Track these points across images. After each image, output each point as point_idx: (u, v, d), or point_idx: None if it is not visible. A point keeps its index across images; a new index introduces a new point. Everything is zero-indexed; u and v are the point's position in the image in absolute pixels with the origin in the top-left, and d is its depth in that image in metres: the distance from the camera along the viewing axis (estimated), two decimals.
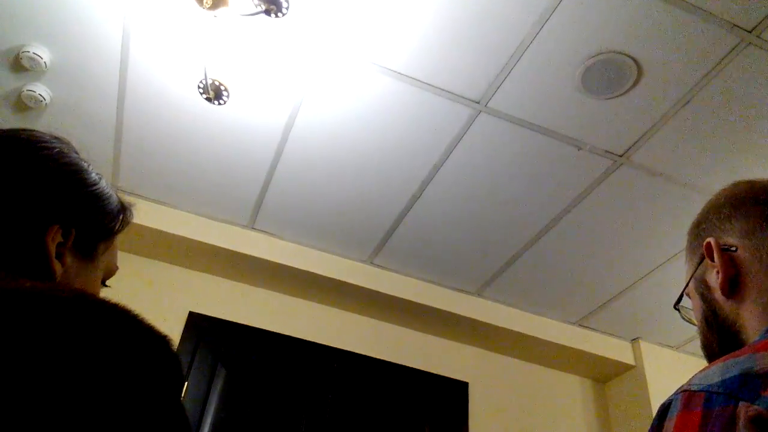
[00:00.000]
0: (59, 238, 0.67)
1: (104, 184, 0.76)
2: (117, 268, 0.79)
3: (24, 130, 0.71)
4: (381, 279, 3.08)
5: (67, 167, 0.71)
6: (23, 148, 0.69)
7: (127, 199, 0.81)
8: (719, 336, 0.73)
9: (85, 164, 0.74)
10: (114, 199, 0.77)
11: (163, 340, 0.50)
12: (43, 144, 0.71)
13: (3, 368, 0.40)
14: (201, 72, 2.09)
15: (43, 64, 2.17)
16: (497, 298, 3.24)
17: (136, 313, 0.50)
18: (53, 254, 0.65)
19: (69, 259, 0.68)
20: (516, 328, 3.23)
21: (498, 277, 3.09)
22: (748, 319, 0.69)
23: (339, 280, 3.00)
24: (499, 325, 3.20)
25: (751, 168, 2.33)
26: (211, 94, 2.10)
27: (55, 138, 0.73)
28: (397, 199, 2.68)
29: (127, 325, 0.48)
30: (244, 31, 2.05)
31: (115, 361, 0.45)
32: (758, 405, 0.48)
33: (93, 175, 0.74)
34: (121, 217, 0.78)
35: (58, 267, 0.66)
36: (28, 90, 2.28)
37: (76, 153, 0.75)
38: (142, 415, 0.44)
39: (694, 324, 0.80)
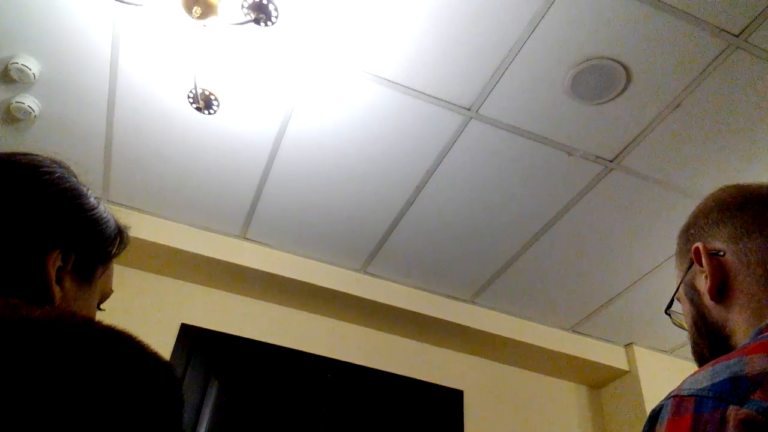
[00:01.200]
0: (59, 263, 0.67)
1: (103, 208, 0.76)
2: (112, 291, 0.79)
3: (24, 154, 0.72)
4: (374, 288, 3.07)
5: (68, 192, 0.72)
6: (24, 173, 0.69)
7: (122, 221, 0.81)
8: (709, 340, 0.73)
9: (85, 188, 0.75)
10: (112, 223, 0.78)
11: (165, 366, 0.51)
12: (43, 169, 0.71)
13: (13, 396, 0.40)
14: (191, 82, 2.08)
15: (32, 76, 2.16)
16: (491, 305, 3.24)
17: (139, 339, 0.51)
18: (53, 279, 0.66)
19: (68, 283, 0.68)
20: (510, 335, 3.22)
21: (491, 284, 3.09)
22: (737, 323, 0.69)
23: (332, 290, 2.98)
24: (493, 332, 3.20)
25: (741, 171, 2.34)
26: (201, 104, 2.10)
27: (55, 162, 0.74)
28: (389, 207, 2.68)
29: (132, 353, 0.49)
30: (234, 41, 2.05)
31: (121, 389, 0.45)
32: (747, 408, 0.48)
33: (92, 199, 0.75)
34: (117, 241, 0.79)
35: (57, 291, 0.66)
36: (16, 102, 2.27)
37: (75, 177, 0.75)
38: None
39: (684, 329, 0.80)
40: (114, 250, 0.78)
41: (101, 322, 0.51)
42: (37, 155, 0.73)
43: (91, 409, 0.42)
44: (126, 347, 0.49)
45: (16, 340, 0.44)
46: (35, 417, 0.40)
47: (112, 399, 0.44)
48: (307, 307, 3.12)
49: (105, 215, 0.76)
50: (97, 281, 0.75)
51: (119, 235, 0.79)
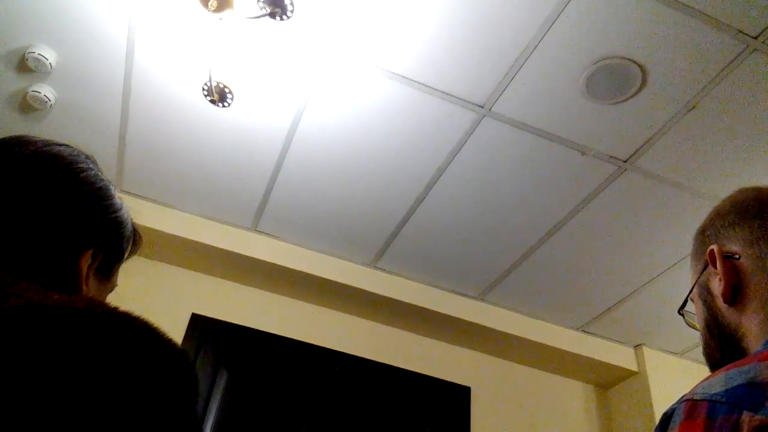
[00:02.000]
0: (89, 261, 0.69)
1: (125, 209, 0.79)
2: (116, 284, 0.81)
3: (60, 144, 0.73)
4: (384, 282, 3.07)
5: (101, 192, 0.73)
6: (64, 168, 0.70)
7: (134, 217, 0.83)
8: (720, 343, 0.73)
9: (113, 188, 0.77)
10: (129, 224, 0.80)
11: (182, 354, 0.52)
12: (80, 165, 0.72)
13: (29, 380, 0.41)
14: (206, 74, 2.09)
15: (49, 65, 2.18)
16: (500, 303, 3.24)
17: (156, 326, 0.52)
18: (84, 277, 0.68)
19: (91, 281, 0.71)
20: (519, 333, 3.22)
21: (501, 281, 3.08)
22: (750, 327, 0.68)
23: (342, 283, 2.99)
24: (502, 330, 3.19)
25: (757, 174, 2.32)
26: (216, 97, 2.11)
27: (87, 157, 0.75)
28: (400, 202, 2.68)
29: (151, 339, 0.50)
30: (249, 34, 2.05)
31: (138, 375, 0.46)
32: (762, 414, 0.47)
33: (117, 200, 0.77)
34: (131, 242, 0.81)
35: (85, 289, 0.68)
36: (33, 91, 2.29)
37: (101, 172, 0.77)
38: (157, 428, 0.45)
39: (697, 329, 0.80)
40: (130, 250, 0.81)
41: (119, 309, 0.52)
42: (72, 148, 0.74)
43: (106, 393, 0.43)
44: (143, 334, 0.50)
45: (37, 324, 0.45)
46: (51, 399, 0.41)
47: (127, 384, 0.44)
48: (316, 301, 3.13)
49: (126, 216, 0.78)
50: (113, 278, 0.77)
51: (134, 236, 0.81)
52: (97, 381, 0.43)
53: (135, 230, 0.81)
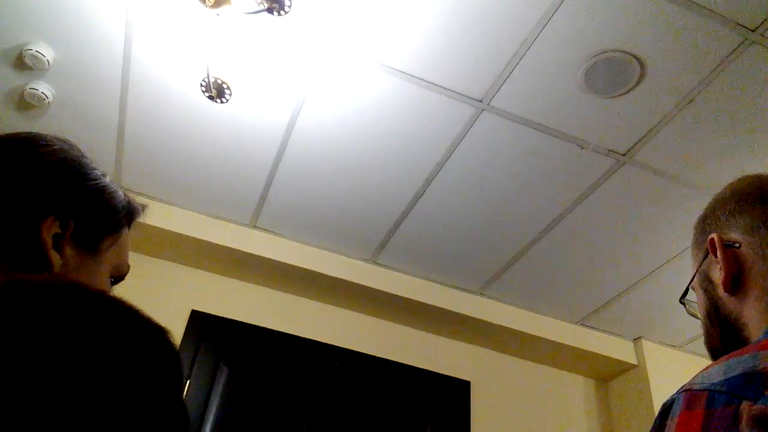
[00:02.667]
0: (56, 229, 0.67)
1: (108, 180, 0.77)
2: (128, 266, 0.79)
3: (28, 133, 0.73)
4: (383, 278, 3.08)
5: (67, 161, 0.72)
6: (20, 144, 0.71)
7: (140, 200, 0.82)
8: (721, 332, 0.73)
9: (87, 161, 0.75)
10: (119, 195, 0.78)
11: (160, 330, 0.50)
12: (41, 142, 0.72)
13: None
14: (203, 70, 2.09)
15: (46, 63, 2.18)
16: (499, 297, 3.24)
17: (132, 304, 0.50)
18: (50, 245, 0.66)
19: (69, 252, 0.69)
20: (518, 327, 3.22)
21: (500, 276, 3.08)
22: (751, 316, 0.68)
23: (341, 279, 3.00)
24: (502, 324, 3.20)
25: (756, 167, 2.32)
26: (214, 93, 2.10)
27: (61, 139, 0.74)
28: (399, 198, 2.68)
29: (123, 315, 0.48)
30: (247, 30, 2.05)
31: (112, 353, 0.44)
32: (762, 403, 0.47)
33: (96, 171, 0.75)
34: (124, 213, 0.78)
35: (55, 258, 0.66)
36: (31, 88, 2.28)
37: (80, 152, 0.76)
38: (139, 408, 0.44)
39: (698, 318, 0.79)
40: (122, 222, 0.78)
41: (91, 286, 0.51)
42: (40, 133, 0.74)
43: (74, 373, 0.42)
44: (114, 309, 0.48)
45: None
46: (9, 384, 0.40)
47: (97, 363, 0.43)
48: (316, 296, 3.13)
49: (111, 186, 0.76)
50: (105, 252, 0.75)
51: (128, 206, 0.79)
52: (67, 361, 0.42)
53: (130, 202, 0.80)
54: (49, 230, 0.67)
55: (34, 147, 0.71)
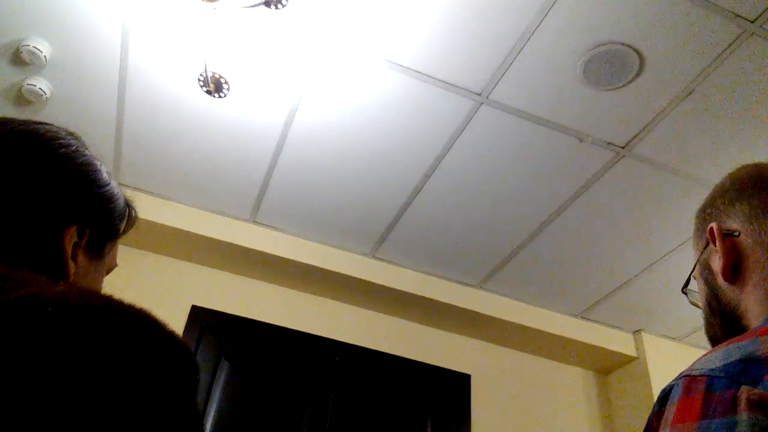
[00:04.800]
0: (75, 238, 0.67)
1: (114, 184, 0.76)
2: (116, 264, 0.79)
3: (40, 123, 0.71)
4: (383, 272, 3.08)
5: (84, 167, 0.71)
6: (43, 145, 0.68)
7: (128, 195, 0.81)
8: (722, 321, 0.73)
9: (98, 162, 0.74)
10: (122, 199, 0.77)
11: (181, 345, 0.51)
12: (60, 141, 0.70)
13: (26, 378, 0.41)
14: (201, 65, 2.09)
15: (43, 58, 2.17)
16: (499, 291, 3.24)
17: (155, 317, 0.51)
18: (69, 255, 0.66)
19: (80, 259, 0.68)
20: (518, 321, 3.23)
21: (500, 269, 3.09)
22: (750, 304, 0.68)
23: (341, 274, 3.00)
24: (502, 318, 3.20)
25: (754, 158, 2.31)
26: (212, 87, 2.10)
27: (69, 133, 0.73)
28: (398, 192, 2.68)
29: (152, 332, 0.49)
30: (245, 24, 2.04)
31: (138, 368, 0.45)
32: (760, 388, 0.47)
33: (105, 174, 0.74)
34: (126, 218, 0.79)
35: (72, 267, 0.66)
36: (28, 84, 2.28)
37: (87, 149, 0.75)
38: (160, 418, 0.45)
39: (700, 308, 0.80)
40: (123, 226, 0.78)
41: (116, 299, 0.51)
42: (52, 125, 0.72)
43: (106, 388, 0.42)
44: (144, 325, 0.49)
45: (29, 319, 0.44)
46: (49, 394, 0.40)
47: (127, 378, 0.44)
48: (316, 291, 3.14)
49: (116, 191, 0.76)
50: (107, 256, 0.75)
51: (128, 212, 0.79)
52: (97, 378, 0.42)
53: (129, 206, 0.79)
54: (71, 240, 0.66)
55: (55, 148, 0.69)
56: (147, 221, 2.74)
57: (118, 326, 0.47)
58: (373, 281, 3.03)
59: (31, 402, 0.40)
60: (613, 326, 3.42)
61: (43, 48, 2.16)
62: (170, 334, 0.50)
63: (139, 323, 0.49)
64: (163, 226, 2.78)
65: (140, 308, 0.50)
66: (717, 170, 2.39)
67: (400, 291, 3.07)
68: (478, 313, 3.18)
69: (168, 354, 0.49)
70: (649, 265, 2.93)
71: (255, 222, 2.95)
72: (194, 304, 2.90)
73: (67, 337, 0.44)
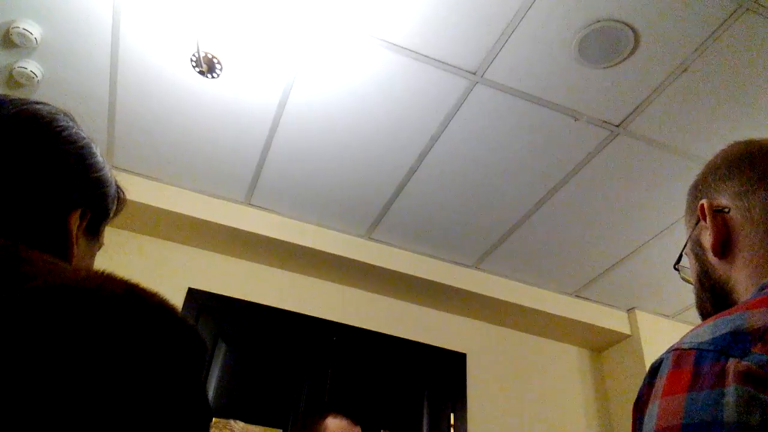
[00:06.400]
0: (78, 221, 0.68)
1: (108, 168, 0.78)
2: (103, 243, 0.80)
3: (39, 103, 0.71)
4: (379, 253, 3.09)
5: (83, 150, 0.72)
6: (47, 128, 0.69)
7: (130, 179, 0.82)
8: (712, 296, 0.74)
9: (94, 145, 0.76)
10: (113, 182, 0.79)
11: (195, 333, 0.53)
12: (61, 124, 0.71)
13: (50, 366, 0.42)
14: (194, 45, 2.07)
15: (34, 41, 2.15)
16: (494, 271, 3.26)
17: (172, 304, 0.52)
18: (74, 237, 0.67)
19: (81, 240, 0.70)
20: (513, 300, 3.25)
21: (495, 249, 3.10)
22: (739, 279, 0.69)
23: (337, 255, 3.01)
24: (497, 297, 3.22)
25: (749, 135, 2.32)
26: (204, 68, 2.09)
27: (66, 114, 0.74)
28: (393, 172, 2.68)
29: (170, 320, 0.50)
30: (237, 2, 2.02)
31: (152, 351, 0.47)
32: (748, 361, 0.48)
33: (100, 158, 0.76)
34: (117, 200, 0.80)
35: (76, 250, 0.67)
36: (19, 67, 2.25)
37: (82, 131, 0.76)
38: (170, 397, 0.47)
39: (691, 284, 0.81)
40: (116, 208, 0.80)
41: (133, 284, 0.52)
42: (51, 106, 0.72)
43: (129, 377, 0.44)
44: (162, 315, 0.50)
45: (61, 309, 0.45)
46: (70, 378, 0.41)
47: (147, 367, 0.45)
48: (312, 273, 3.15)
49: (109, 175, 0.78)
50: (100, 237, 0.77)
51: (118, 194, 0.81)
52: (117, 363, 0.44)
53: (119, 187, 0.81)
54: (75, 223, 0.68)
55: (58, 132, 0.70)
56: (143, 204, 2.74)
57: (139, 314, 0.48)
58: (369, 262, 3.04)
59: (57, 381, 0.41)
60: (607, 304, 3.45)
61: (34, 30, 2.13)
62: (185, 322, 0.51)
63: (156, 309, 0.50)
64: (159, 209, 2.78)
65: (157, 295, 0.52)
66: (711, 148, 2.38)
67: (395, 272, 3.08)
68: (473, 293, 3.20)
69: (180, 337, 0.50)
70: (644, 243, 2.95)
71: (250, 204, 2.94)
72: (191, 286, 2.90)
73: (95, 324, 0.45)
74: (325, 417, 1.96)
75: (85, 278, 0.50)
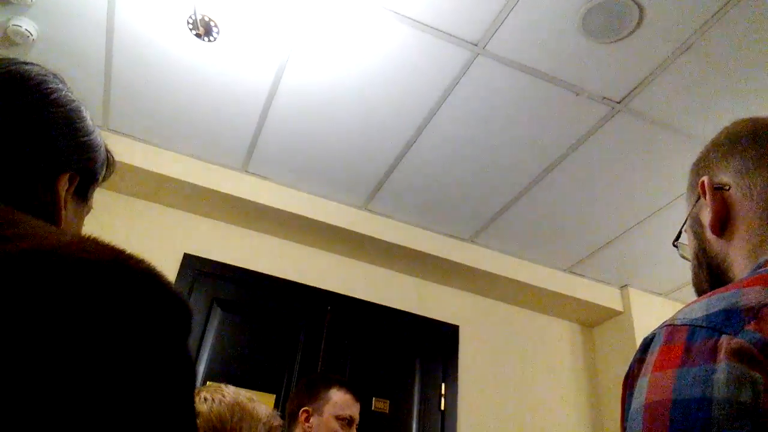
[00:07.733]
0: (67, 185, 0.68)
1: (97, 131, 0.77)
2: (92, 207, 0.80)
3: (28, 63, 0.70)
4: (375, 224, 3.09)
5: (74, 113, 0.71)
6: (36, 89, 0.68)
7: (105, 140, 0.81)
8: (708, 273, 0.74)
9: (84, 108, 0.75)
10: (103, 146, 0.78)
11: (183, 302, 0.52)
12: (51, 87, 0.70)
13: (44, 333, 0.41)
14: (190, 7, 2.03)
15: None
16: (490, 245, 3.27)
17: (157, 270, 0.52)
18: (63, 202, 0.67)
19: (69, 204, 0.69)
20: (508, 274, 3.27)
21: (491, 223, 3.10)
22: (736, 257, 0.69)
23: (334, 225, 3.01)
24: (491, 271, 3.24)
25: (752, 114, 2.31)
26: (201, 31, 2.05)
27: (55, 76, 0.73)
28: (392, 144, 2.66)
29: (152, 283, 0.50)
30: None
31: (136, 317, 0.46)
32: (740, 338, 0.48)
33: (89, 121, 0.75)
34: (107, 164, 0.80)
35: (64, 213, 0.67)
36: (14, 25, 2.21)
37: (72, 93, 0.75)
38: (159, 360, 0.46)
39: (689, 261, 0.81)
40: (105, 173, 0.79)
41: (120, 250, 0.52)
42: (41, 67, 0.71)
43: (107, 332, 0.44)
44: (149, 280, 0.50)
45: (48, 275, 0.44)
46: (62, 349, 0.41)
47: (121, 324, 0.45)
48: (308, 241, 3.15)
49: (99, 139, 0.77)
50: (89, 200, 0.76)
51: (108, 157, 0.80)
52: (100, 328, 0.43)
53: (108, 151, 0.80)
54: (64, 186, 0.67)
55: (47, 93, 0.69)
56: (139, 169, 2.72)
57: (124, 280, 0.48)
58: (365, 233, 3.05)
59: (47, 348, 0.40)
60: (600, 281, 3.47)
61: None
62: (172, 291, 0.51)
63: (142, 275, 0.49)
64: (155, 174, 2.76)
65: (144, 262, 0.51)
66: (712, 126, 2.38)
67: (391, 243, 3.09)
68: (468, 267, 3.21)
69: (166, 304, 0.50)
70: (640, 221, 2.95)
71: (247, 171, 2.93)
72: (186, 252, 2.91)
73: (78, 289, 0.44)
74: (330, 387, 1.97)
75: (71, 242, 0.49)
